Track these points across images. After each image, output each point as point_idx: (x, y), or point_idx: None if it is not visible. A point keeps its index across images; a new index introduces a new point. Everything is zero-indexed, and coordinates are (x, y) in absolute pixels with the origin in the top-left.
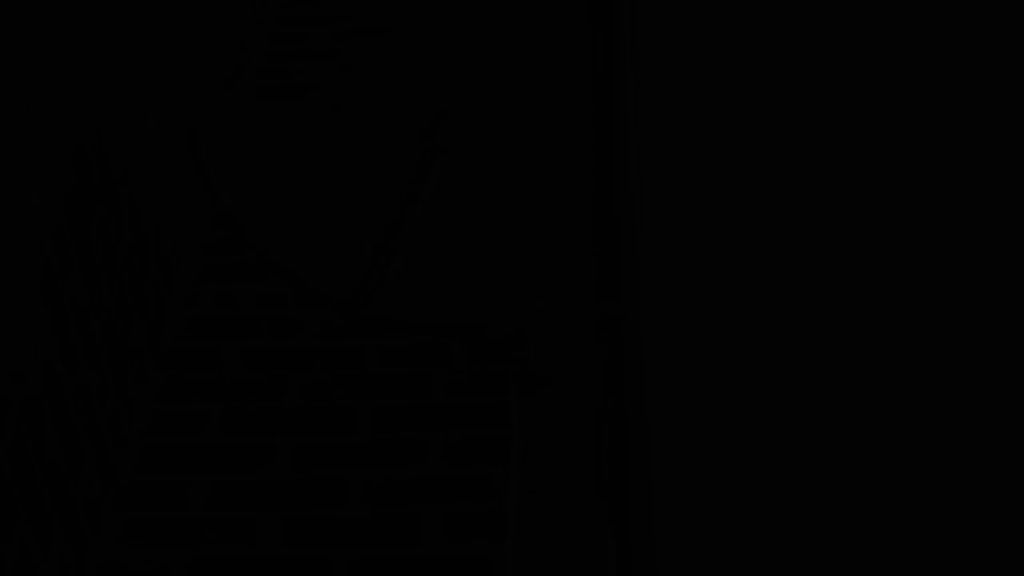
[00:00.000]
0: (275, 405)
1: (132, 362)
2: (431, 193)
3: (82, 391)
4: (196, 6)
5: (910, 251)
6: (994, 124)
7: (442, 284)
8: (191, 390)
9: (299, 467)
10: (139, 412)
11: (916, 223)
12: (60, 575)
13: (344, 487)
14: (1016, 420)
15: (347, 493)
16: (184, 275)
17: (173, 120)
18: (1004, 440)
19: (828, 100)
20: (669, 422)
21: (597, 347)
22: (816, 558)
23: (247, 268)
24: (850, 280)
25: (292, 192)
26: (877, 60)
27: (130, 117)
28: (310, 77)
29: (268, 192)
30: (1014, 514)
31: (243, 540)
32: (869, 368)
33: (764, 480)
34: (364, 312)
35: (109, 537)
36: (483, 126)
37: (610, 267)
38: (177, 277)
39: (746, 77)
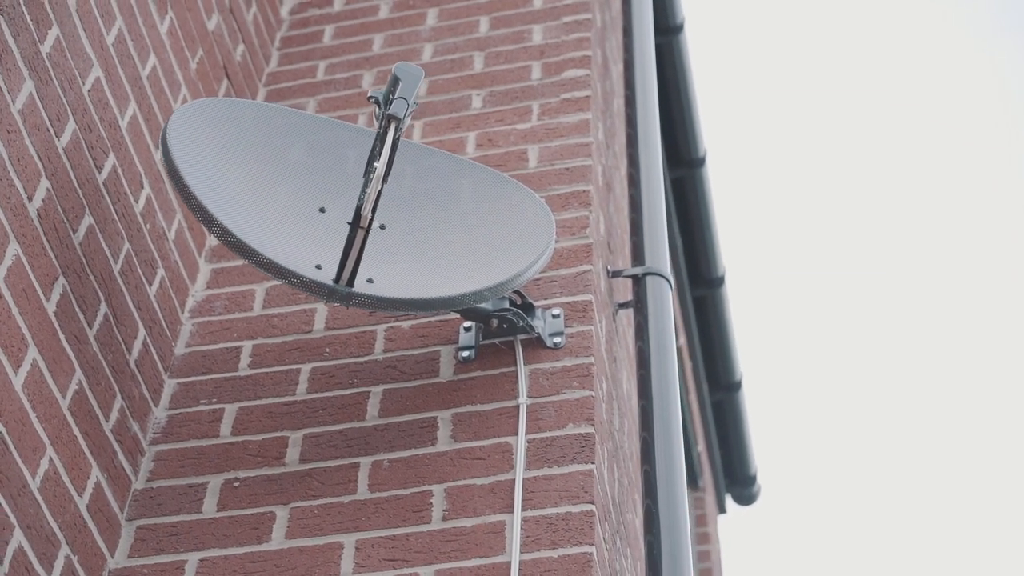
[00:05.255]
0: (287, 401)
1: (144, 370)
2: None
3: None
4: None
5: None
6: None
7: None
8: (203, 393)
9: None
10: (152, 417)
11: None
12: None
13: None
14: None
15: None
16: (192, 279)
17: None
18: None
19: None
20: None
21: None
22: None
23: (250, 270)
24: None
25: (262, 185)
26: None
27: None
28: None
29: (240, 188)
30: None
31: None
32: None
33: None
34: (354, 296)
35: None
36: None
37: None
38: (185, 281)
39: None
